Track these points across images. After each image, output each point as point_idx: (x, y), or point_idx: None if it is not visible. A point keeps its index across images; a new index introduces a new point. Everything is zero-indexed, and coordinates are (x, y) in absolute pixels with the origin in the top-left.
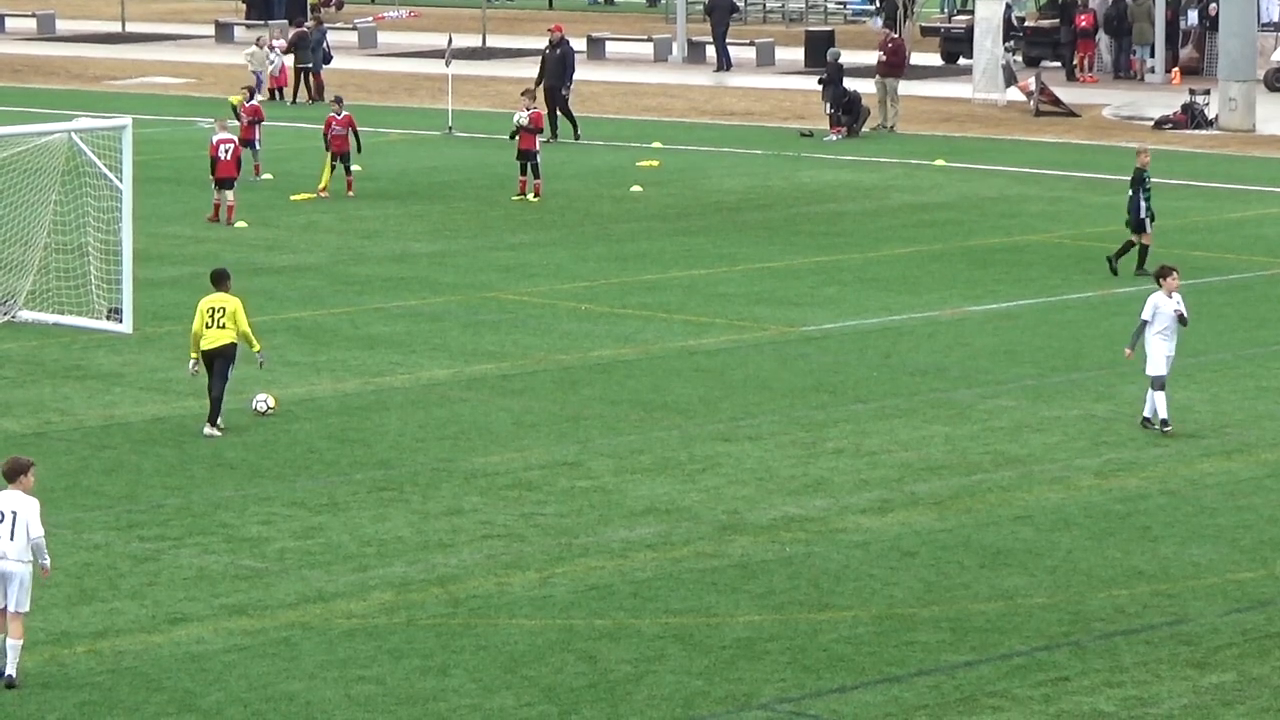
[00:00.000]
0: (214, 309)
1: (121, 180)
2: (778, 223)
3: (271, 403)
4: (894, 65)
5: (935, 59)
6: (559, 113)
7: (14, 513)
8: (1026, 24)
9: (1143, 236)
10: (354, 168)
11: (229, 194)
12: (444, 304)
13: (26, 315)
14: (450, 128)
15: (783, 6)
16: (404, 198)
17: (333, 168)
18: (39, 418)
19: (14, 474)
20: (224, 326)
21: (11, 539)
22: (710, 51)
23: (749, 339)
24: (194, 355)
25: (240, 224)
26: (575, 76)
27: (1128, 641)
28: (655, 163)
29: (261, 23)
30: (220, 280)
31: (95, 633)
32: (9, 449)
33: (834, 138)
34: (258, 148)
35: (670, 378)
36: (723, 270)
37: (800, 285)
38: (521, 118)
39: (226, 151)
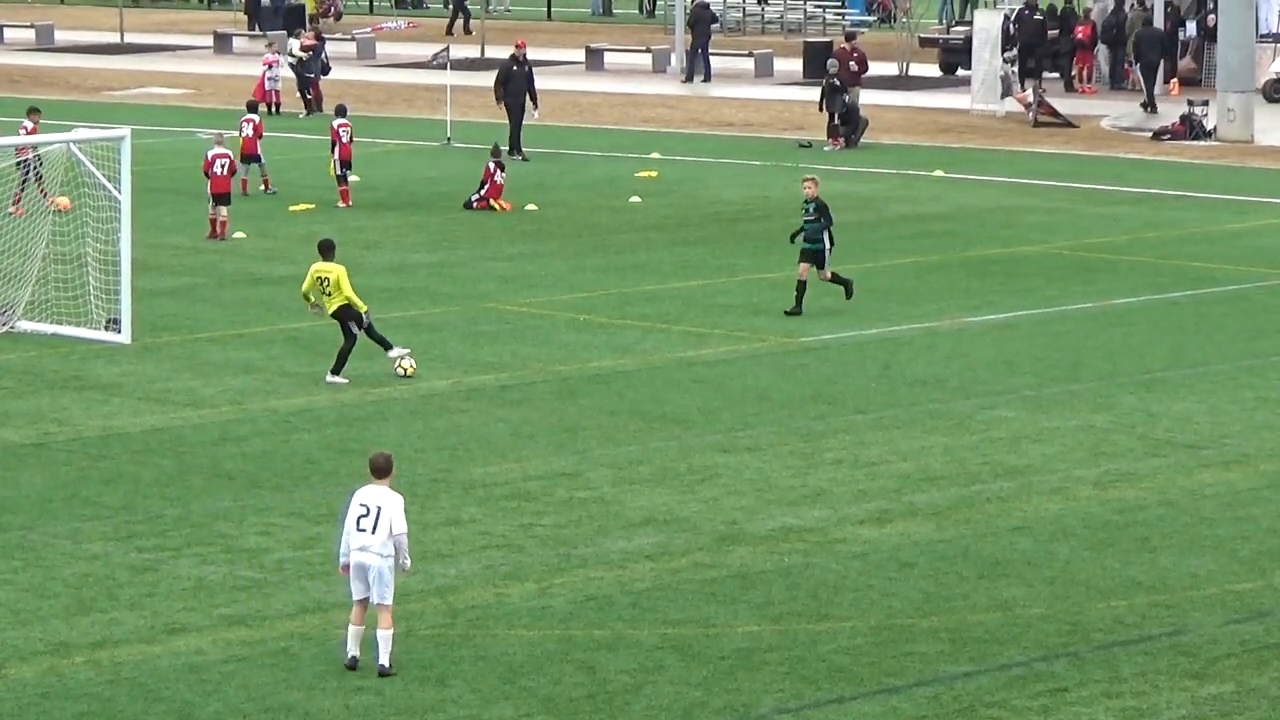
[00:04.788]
0: (321, 278)
1: (120, 191)
2: (776, 233)
3: (409, 365)
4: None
5: (933, 69)
6: (519, 130)
7: (379, 507)
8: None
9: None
10: (352, 177)
11: (224, 209)
12: (443, 315)
13: (25, 326)
14: (449, 138)
15: (781, 18)
16: (403, 208)
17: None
18: (37, 428)
19: (385, 470)
20: (330, 295)
21: (374, 532)
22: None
23: (748, 350)
24: (309, 302)
25: (239, 234)
26: (573, 87)
27: (1126, 652)
28: (654, 173)
29: (261, 34)
30: (327, 251)
31: (94, 643)
32: (8, 460)
33: (832, 148)
34: (263, 161)
35: (669, 388)
36: (721, 281)
37: None
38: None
39: (223, 167)
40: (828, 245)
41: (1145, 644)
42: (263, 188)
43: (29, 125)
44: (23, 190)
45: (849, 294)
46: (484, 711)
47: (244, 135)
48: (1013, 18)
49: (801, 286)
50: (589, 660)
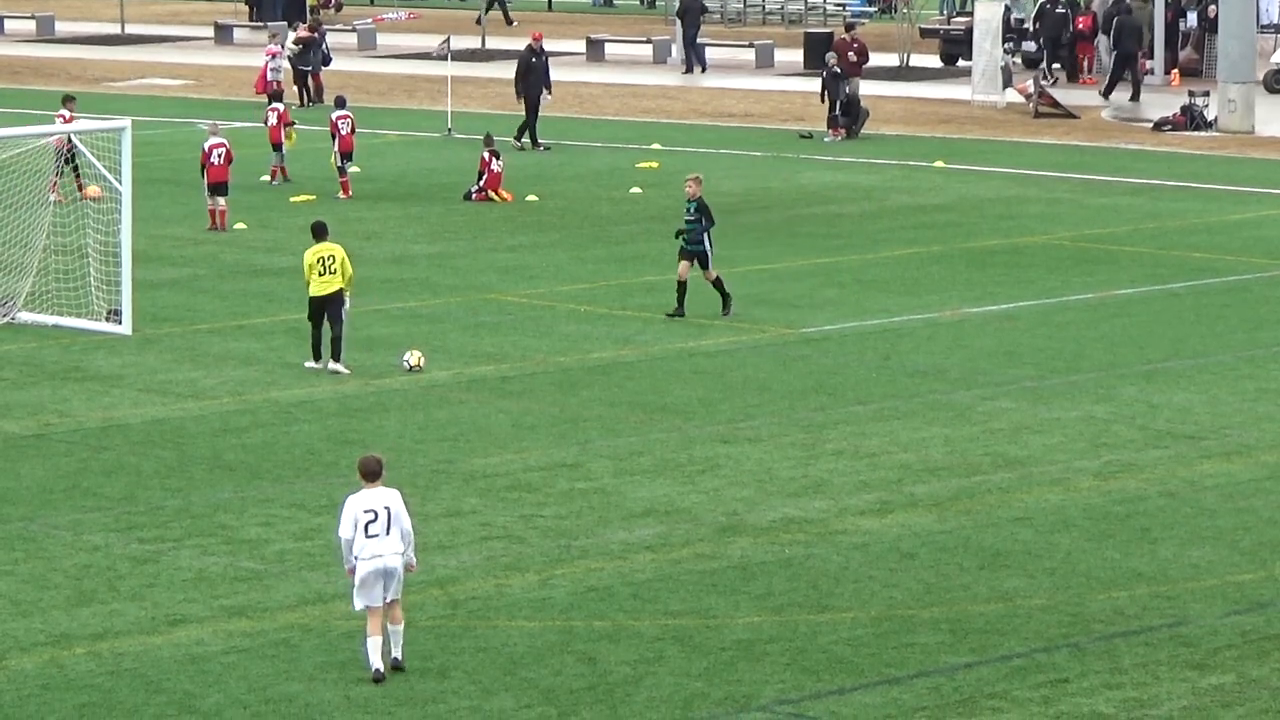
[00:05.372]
0: (323, 258)
1: (121, 182)
2: (777, 224)
3: (416, 360)
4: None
5: (934, 60)
6: (534, 120)
7: (387, 509)
8: (1025, 25)
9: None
10: (352, 169)
11: (222, 200)
12: (443, 305)
13: (26, 317)
14: (450, 129)
15: (782, 8)
16: (403, 199)
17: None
18: (38, 419)
19: (377, 474)
20: (334, 273)
21: (387, 534)
22: (707, 54)
23: (748, 341)
24: None
25: (240, 225)
26: (574, 78)
27: (1127, 643)
28: (654, 164)
29: (261, 24)
30: (321, 232)
31: (95, 634)
32: (9, 451)
33: (833, 139)
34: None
35: (670, 379)
36: (722, 272)
37: (799, 287)
38: None
39: (219, 156)
40: (709, 246)
41: (1146, 635)
42: (269, 178)
43: (66, 114)
44: (78, 177)
45: (725, 309)
46: (484, 703)
47: (270, 124)
48: (1033, 13)
49: (682, 287)
50: (590, 651)
